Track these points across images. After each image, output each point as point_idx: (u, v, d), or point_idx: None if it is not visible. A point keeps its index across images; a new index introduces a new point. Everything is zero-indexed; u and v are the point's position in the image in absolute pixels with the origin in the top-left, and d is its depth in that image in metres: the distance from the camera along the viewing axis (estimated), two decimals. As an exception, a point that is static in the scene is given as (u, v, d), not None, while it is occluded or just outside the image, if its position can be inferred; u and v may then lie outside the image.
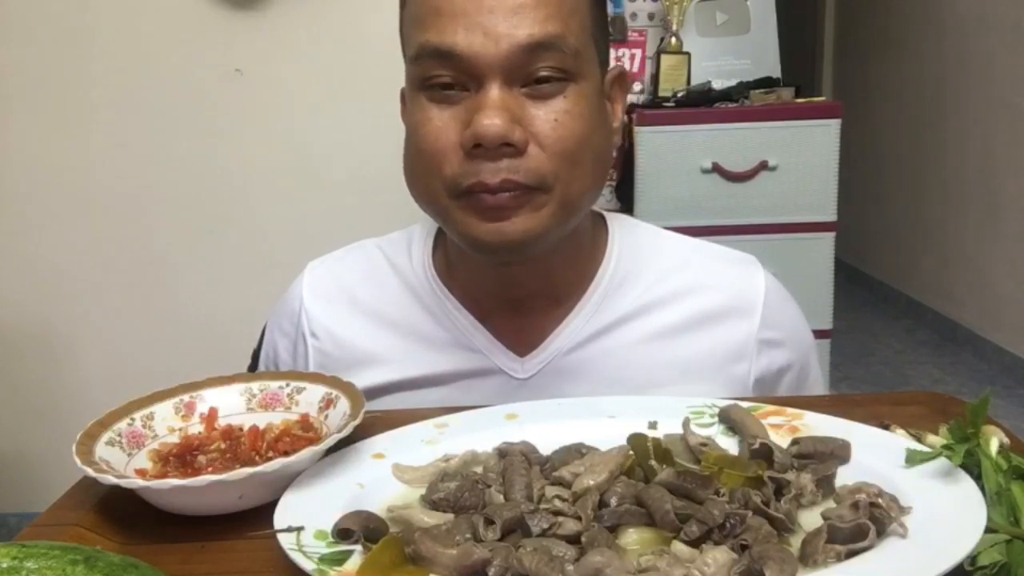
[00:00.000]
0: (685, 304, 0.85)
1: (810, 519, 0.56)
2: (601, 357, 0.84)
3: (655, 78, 2.40)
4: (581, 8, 0.75)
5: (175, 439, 0.70)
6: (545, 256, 0.79)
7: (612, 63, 0.83)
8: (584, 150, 0.75)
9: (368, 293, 0.88)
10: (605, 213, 0.90)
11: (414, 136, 0.76)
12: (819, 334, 2.01)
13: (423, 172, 0.76)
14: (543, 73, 0.72)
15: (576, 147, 0.74)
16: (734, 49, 2.51)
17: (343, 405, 0.69)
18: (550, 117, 0.73)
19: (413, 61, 0.75)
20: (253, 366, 0.98)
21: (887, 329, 4.28)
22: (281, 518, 0.56)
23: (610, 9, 1.94)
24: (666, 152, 2.25)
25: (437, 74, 0.73)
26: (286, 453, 0.64)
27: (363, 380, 0.83)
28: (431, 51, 0.72)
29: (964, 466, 0.57)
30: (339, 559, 0.52)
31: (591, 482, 0.57)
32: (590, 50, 0.76)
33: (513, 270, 0.81)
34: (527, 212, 0.74)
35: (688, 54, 2.41)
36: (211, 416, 0.73)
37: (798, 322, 0.91)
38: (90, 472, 0.60)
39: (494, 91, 0.71)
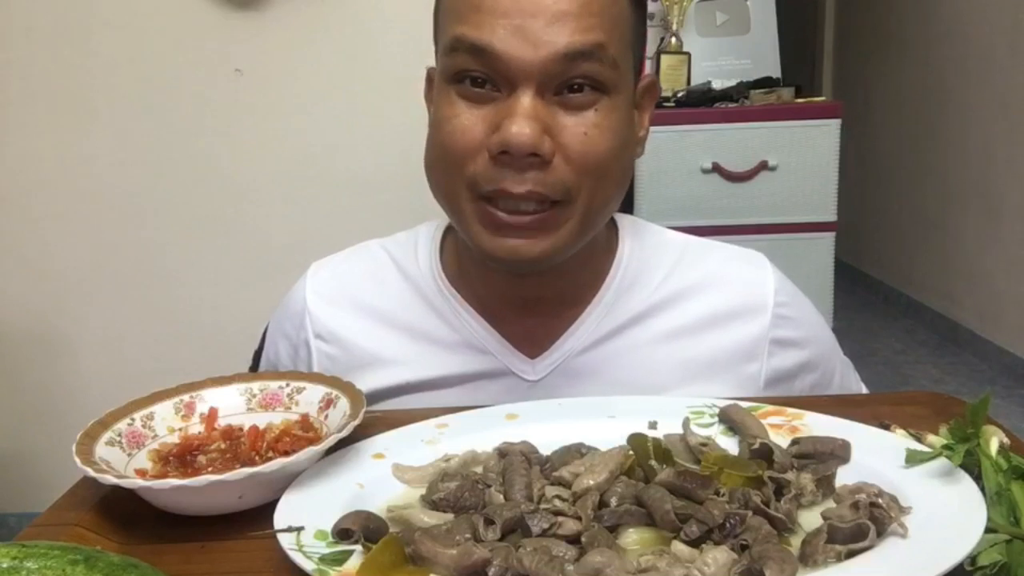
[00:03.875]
0: (695, 303, 0.85)
1: (810, 519, 0.56)
2: (612, 358, 0.83)
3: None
4: (623, 18, 0.74)
5: (175, 439, 0.70)
6: (559, 263, 0.79)
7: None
8: (610, 164, 0.74)
9: (373, 295, 0.88)
10: (615, 214, 0.89)
11: (439, 130, 0.75)
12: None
13: (445, 168, 0.75)
14: (578, 82, 0.71)
15: (603, 162, 0.73)
16: (734, 49, 2.51)
17: (343, 405, 0.69)
18: (580, 130, 0.72)
19: (447, 52, 0.73)
20: (254, 368, 0.97)
21: (887, 329, 4.28)
22: (281, 518, 0.56)
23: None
24: (666, 152, 2.25)
25: (469, 68, 0.72)
26: (286, 453, 0.64)
27: (371, 382, 0.83)
28: (467, 46, 0.71)
29: (964, 466, 0.57)
30: (339, 559, 0.52)
31: (591, 482, 0.57)
32: (627, 61, 0.75)
33: (526, 276, 0.81)
34: (547, 234, 0.73)
35: (688, 54, 2.41)
36: (211, 416, 0.72)
37: (813, 320, 0.90)
38: (90, 472, 0.60)
39: (526, 99, 0.70)
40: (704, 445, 0.64)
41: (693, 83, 2.40)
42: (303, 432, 0.69)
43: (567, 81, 0.71)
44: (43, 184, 2.32)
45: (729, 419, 0.70)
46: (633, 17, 0.76)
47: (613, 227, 0.88)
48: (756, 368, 0.84)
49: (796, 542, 0.53)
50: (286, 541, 0.54)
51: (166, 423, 0.71)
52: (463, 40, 0.71)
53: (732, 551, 0.51)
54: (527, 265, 0.75)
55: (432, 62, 0.81)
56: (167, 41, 2.25)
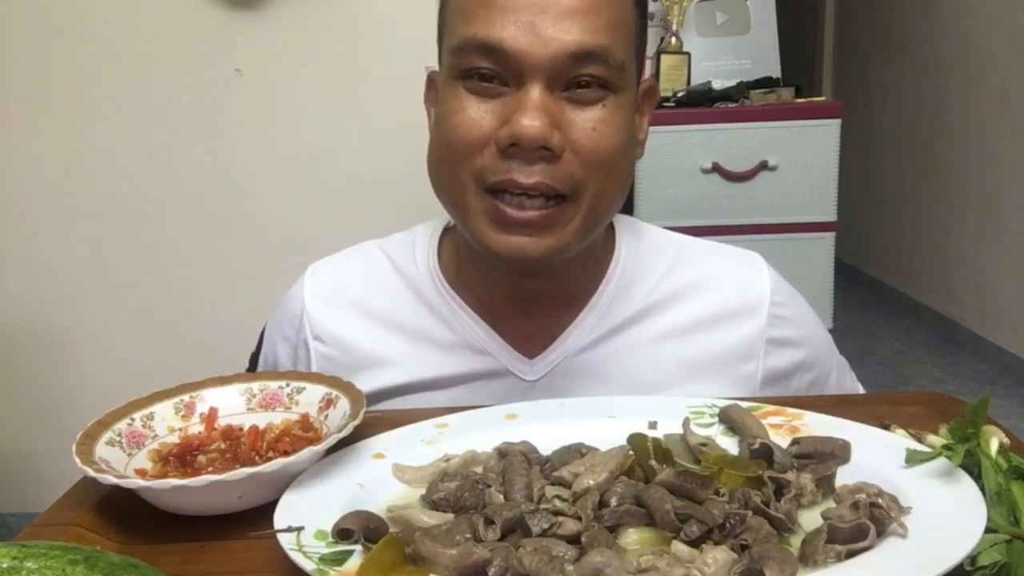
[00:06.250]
0: (692, 303, 0.85)
1: (810, 519, 0.56)
2: (610, 358, 0.84)
3: (655, 78, 2.40)
4: (628, 21, 0.75)
5: (175, 439, 0.70)
6: (559, 264, 0.79)
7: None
8: (617, 161, 0.75)
9: (371, 295, 0.88)
10: None
11: (445, 125, 0.75)
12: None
13: (451, 162, 0.75)
14: (585, 79, 0.72)
15: (610, 157, 0.74)
16: (734, 49, 2.51)
17: (343, 405, 0.69)
18: (588, 125, 0.72)
19: (455, 52, 0.74)
20: (251, 370, 0.97)
21: (887, 329, 4.27)
22: (281, 518, 0.56)
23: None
24: (666, 152, 2.25)
25: (479, 66, 0.72)
26: (286, 453, 0.64)
27: (370, 383, 0.83)
28: (477, 44, 0.71)
29: (964, 466, 0.57)
30: (339, 559, 0.52)
31: (591, 482, 0.57)
32: (631, 63, 0.76)
33: (525, 276, 0.81)
34: (552, 231, 0.73)
35: (688, 54, 2.41)
36: (211, 416, 0.72)
37: (809, 320, 0.91)
38: (90, 472, 0.60)
39: (536, 92, 0.71)
40: (704, 445, 0.64)
41: (693, 83, 2.40)
42: (303, 432, 0.69)
43: (575, 78, 0.72)
44: (43, 184, 2.32)
45: (729, 419, 0.70)
46: (637, 21, 0.77)
47: (610, 228, 0.88)
48: (752, 367, 0.85)
49: (796, 542, 0.53)
50: (286, 541, 0.54)
51: (166, 423, 0.71)
52: (473, 40, 0.72)
53: (732, 551, 0.50)
54: (531, 264, 0.75)
55: (432, 62, 0.81)
56: (167, 41, 2.25)
